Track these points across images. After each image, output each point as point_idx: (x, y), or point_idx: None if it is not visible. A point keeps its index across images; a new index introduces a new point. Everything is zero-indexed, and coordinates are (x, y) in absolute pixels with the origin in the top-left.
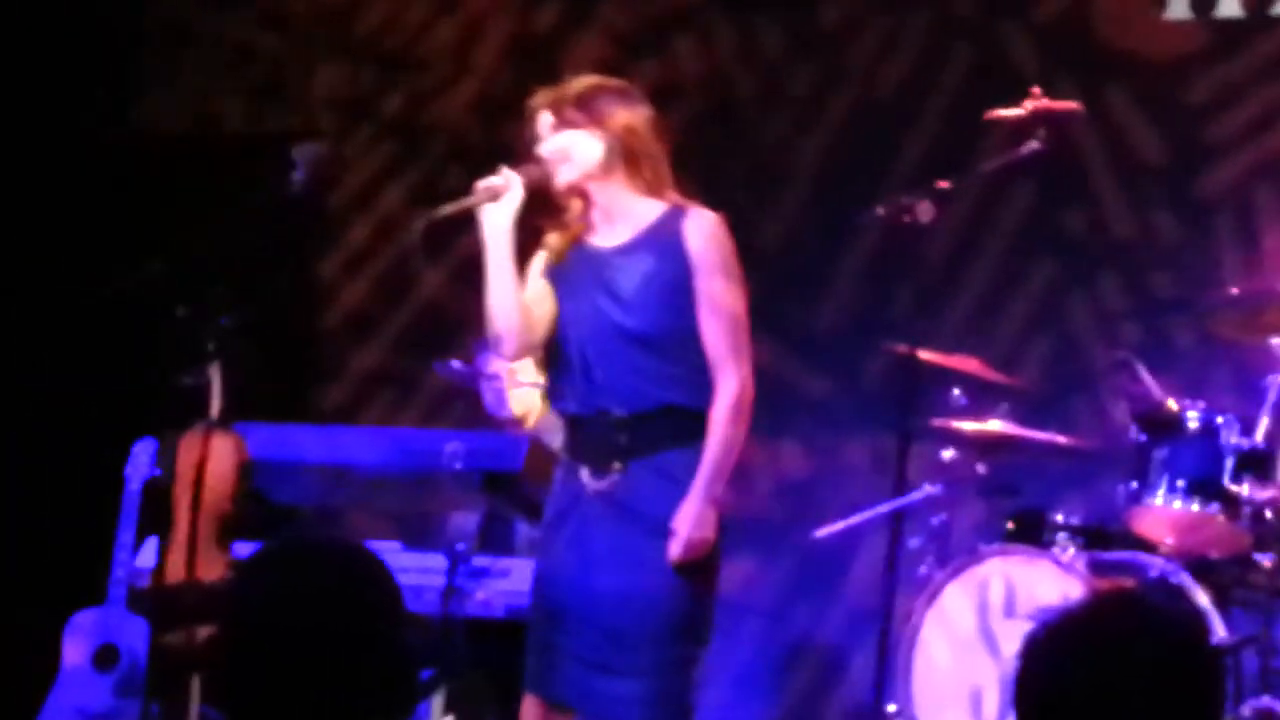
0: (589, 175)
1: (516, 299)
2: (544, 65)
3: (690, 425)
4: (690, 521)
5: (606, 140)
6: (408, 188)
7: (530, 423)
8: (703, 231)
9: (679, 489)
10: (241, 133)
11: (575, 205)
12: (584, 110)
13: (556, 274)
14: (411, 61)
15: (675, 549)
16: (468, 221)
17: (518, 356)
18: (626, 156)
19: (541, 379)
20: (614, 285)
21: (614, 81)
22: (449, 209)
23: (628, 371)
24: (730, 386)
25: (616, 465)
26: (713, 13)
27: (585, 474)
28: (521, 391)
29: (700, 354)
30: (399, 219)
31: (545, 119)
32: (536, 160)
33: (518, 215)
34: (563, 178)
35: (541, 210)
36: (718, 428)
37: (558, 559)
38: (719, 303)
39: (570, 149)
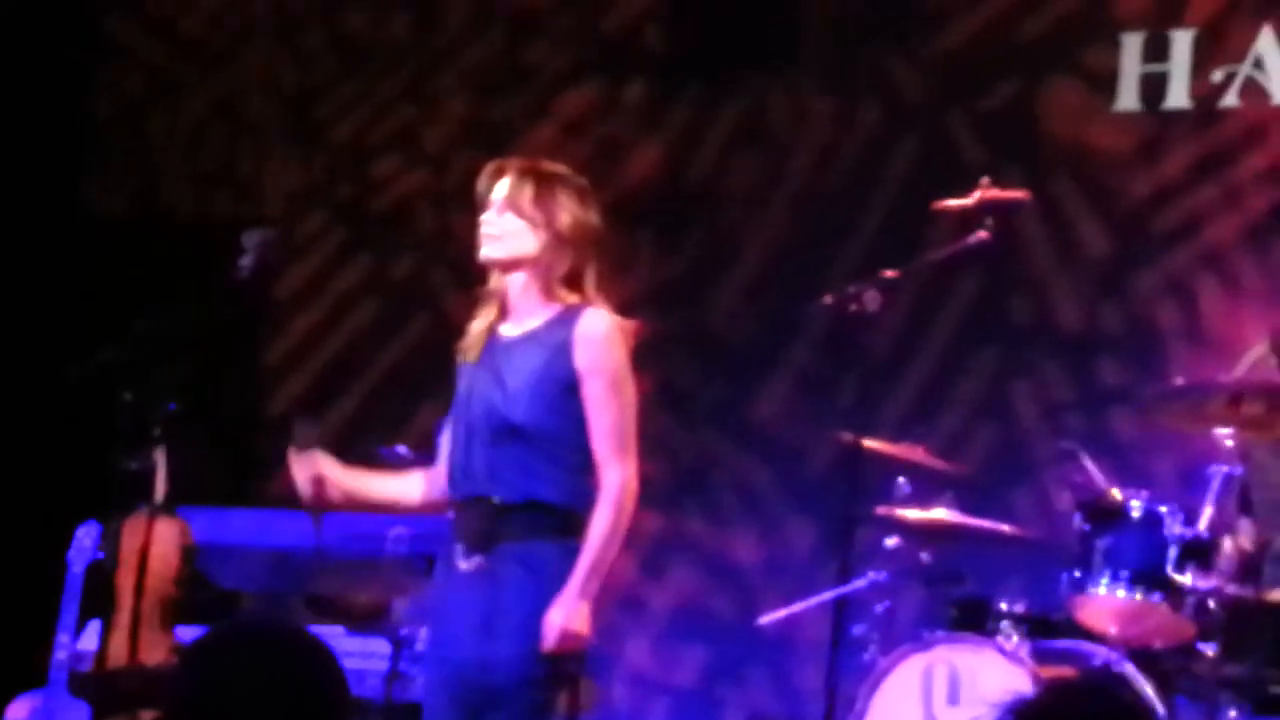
0: (515, 262)
1: (401, 487)
2: (495, 152)
3: (556, 522)
4: (564, 614)
5: (545, 236)
6: (356, 275)
7: None
8: (592, 333)
9: (536, 580)
10: (191, 219)
11: (497, 289)
12: (539, 202)
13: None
14: (361, 149)
15: (548, 639)
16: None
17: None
18: (556, 254)
19: None
20: (503, 375)
21: (576, 179)
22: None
23: (502, 462)
24: (612, 483)
25: (483, 549)
26: (661, 101)
27: (459, 552)
28: None
29: (578, 454)
30: (347, 306)
31: (500, 190)
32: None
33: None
34: (487, 253)
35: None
36: (597, 524)
37: (433, 633)
38: (603, 404)
39: (508, 236)
